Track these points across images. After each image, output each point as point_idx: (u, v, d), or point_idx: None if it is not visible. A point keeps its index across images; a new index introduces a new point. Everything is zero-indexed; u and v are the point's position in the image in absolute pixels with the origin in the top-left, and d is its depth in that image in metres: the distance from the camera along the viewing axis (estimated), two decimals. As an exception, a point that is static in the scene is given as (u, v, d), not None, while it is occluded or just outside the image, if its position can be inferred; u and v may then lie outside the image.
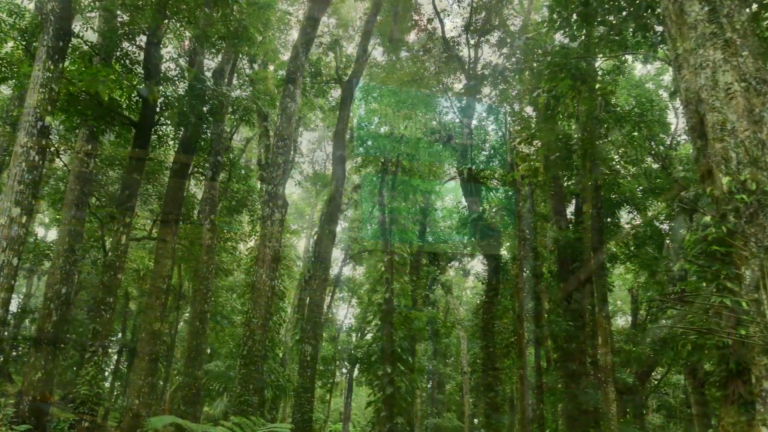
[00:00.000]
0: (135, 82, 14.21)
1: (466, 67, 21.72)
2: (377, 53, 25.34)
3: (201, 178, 23.11)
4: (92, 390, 11.91)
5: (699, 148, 6.26)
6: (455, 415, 36.34)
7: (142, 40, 14.26)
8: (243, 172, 24.56)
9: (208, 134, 18.80)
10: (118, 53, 13.86)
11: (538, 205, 23.30)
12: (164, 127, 16.35)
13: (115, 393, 36.91)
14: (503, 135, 21.92)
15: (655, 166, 18.49)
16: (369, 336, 29.92)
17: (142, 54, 14.21)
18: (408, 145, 23.34)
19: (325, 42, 23.55)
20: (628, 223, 22.48)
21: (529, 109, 18.88)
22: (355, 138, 24.52)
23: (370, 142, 24.53)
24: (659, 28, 10.98)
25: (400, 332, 22.17)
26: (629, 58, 15.19)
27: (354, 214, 35.76)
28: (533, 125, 16.51)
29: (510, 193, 21.72)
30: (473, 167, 21.99)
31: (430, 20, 22.74)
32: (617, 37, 11.29)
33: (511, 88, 15.87)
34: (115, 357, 35.89)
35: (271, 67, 25.45)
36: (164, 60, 14.77)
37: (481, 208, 22.16)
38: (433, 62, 22.91)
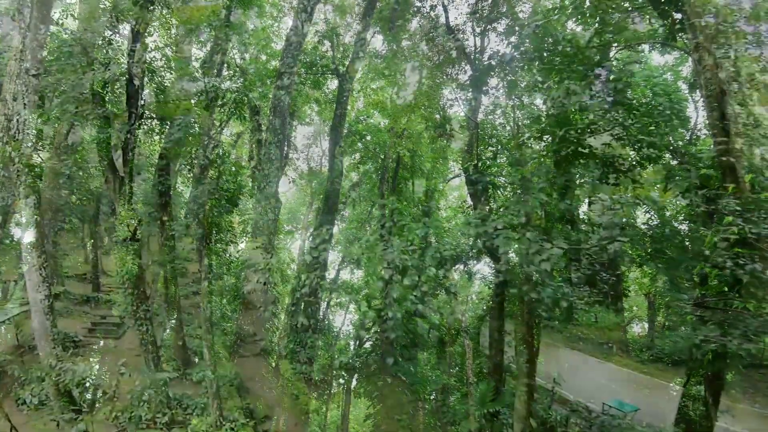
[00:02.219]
0: (119, 73, 14.22)
1: (472, 57, 21.73)
2: (377, 42, 25.40)
3: (188, 175, 23.15)
4: (73, 401, 11.93)
5: (720, 143, 6.28)
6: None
7: (126, 28, 14.28)
8: (233, 168, 24.54)
9: (196, 128, 18.81)
10: (100, 42, 13.87)
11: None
12: (149, 120, 16.37)
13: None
14: (511, 129, 21.94)
15: (674, 162, 18.51)
16: (368, 344, 29.96)
17: (126, 43, 14.23)
18: (409, 140, 23.36)
19: (321, 30, 23.57)
20: (645, 224, 22.49)
21: (539, 102, 18.89)
22: (353, 132, 24.52)
23: (369, 137, 24.55)
24: (678, 16, 11.00)
25: (401, 340, 22.19)
26: (646, 47, 15.21)
27: (352, 213, 35.77)
28: (543, 119, 16.52)
29: (518, 191, 21.72)
30: (479, 164, 22.00)
31: (433, 7, 22.75)
32: (633, 25, 11.31)
33: (519, 80, 15.87)
34: (97, 366, 35.98)
35: (264, 57, 25.49)
36: (150, 49, 14.78)
37: (487, 207, 22.17)
38: (436, 52, 22.92)
